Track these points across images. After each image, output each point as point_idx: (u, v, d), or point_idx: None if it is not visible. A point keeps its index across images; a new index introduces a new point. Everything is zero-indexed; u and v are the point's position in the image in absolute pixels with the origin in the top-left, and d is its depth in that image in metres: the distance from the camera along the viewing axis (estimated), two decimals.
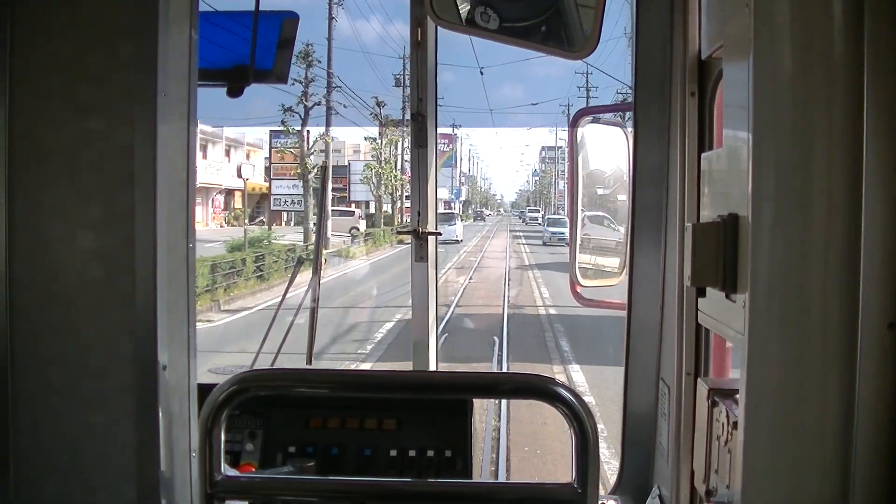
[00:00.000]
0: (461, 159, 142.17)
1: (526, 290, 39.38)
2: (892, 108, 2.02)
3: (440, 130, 4.79)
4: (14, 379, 2.67)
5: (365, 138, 76.59)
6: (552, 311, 32.02)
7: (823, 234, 2.06)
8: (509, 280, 41.71)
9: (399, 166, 79.44)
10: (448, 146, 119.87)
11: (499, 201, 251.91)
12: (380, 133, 73.21)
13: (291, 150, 62.76)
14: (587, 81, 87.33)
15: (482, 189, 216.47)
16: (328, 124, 59.99)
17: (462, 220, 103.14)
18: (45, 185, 2.65)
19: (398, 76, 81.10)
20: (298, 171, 58.85)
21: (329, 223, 53.40)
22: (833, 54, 2.06)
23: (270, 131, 69.23)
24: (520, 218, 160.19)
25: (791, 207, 2.08)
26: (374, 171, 74.91)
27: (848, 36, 2.04)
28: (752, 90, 2.13)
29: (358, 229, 64.93)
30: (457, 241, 76.01)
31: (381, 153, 74.75)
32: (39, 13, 2.63)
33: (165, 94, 2.62)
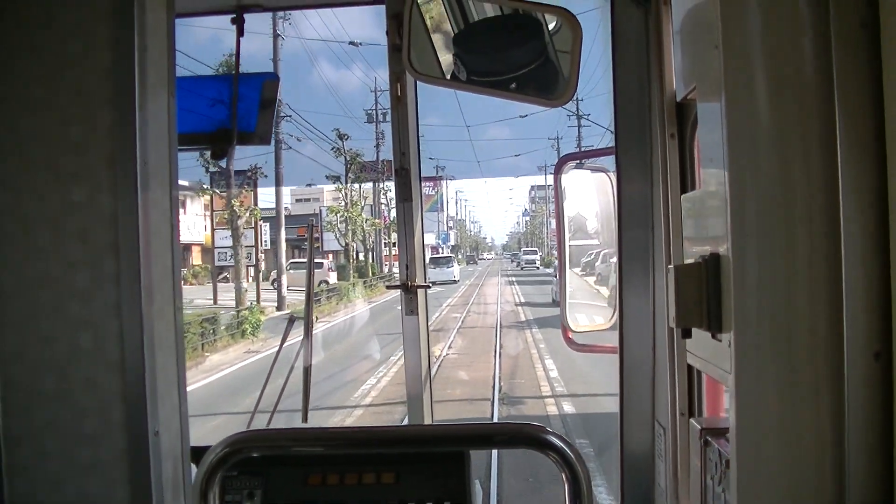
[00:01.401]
0: (448, 202, 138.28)
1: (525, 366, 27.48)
2: (864, 140, 2.04)
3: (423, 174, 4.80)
4: (9, 449, 2.66)
5: (326, 177, 71.44)
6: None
7: (804, 269, 2.08)
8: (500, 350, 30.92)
9: (376, 211, 75.93)
10: (433, 189, 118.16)
11: (490, 244, 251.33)
12: (346, 171, 67.55)
13: (221, 192, 52.06)
14: (578, 121, 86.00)
15: (472, 233, 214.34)
16: (277, 158, 50.45)
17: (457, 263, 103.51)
18: (31, 256, 2.66)
19: (370, 111, 77.42)
20: (227, 217, 50.02)
21: (284, 279, 49.83)
22: (804, 89, 2.09)
23: (211, 173, 52.44)
24: (512, 261, 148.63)
25: (771, 244, 2.10)
26: (338, 215, 68.53)
27: (818, 70, 2.07)
28: (725, 129, 2.15)
29: (328, 282, 59.63)
30: (454, 282, 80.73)
31: (348, 194, 68.32)
32: (21, 85, 2.66)
33: (146, 162, 2.64)
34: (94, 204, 2.64)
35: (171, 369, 2.80)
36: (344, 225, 68.38)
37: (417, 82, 4.37)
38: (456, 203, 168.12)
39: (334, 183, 69.45)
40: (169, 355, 2.78)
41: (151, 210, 2.69)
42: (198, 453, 2.51)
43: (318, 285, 56.10)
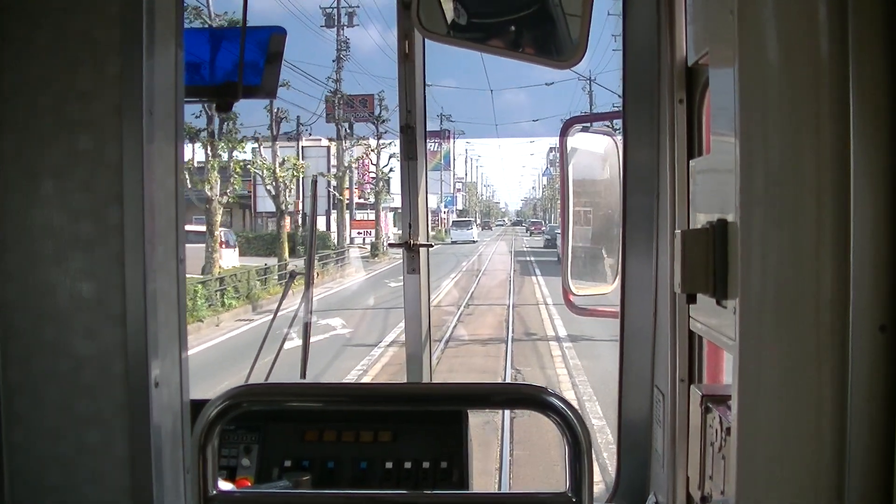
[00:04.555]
0: (455, 160, 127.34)
1: None
2: (877, 109, 2.02)
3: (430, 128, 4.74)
4: (8, 397, 2.66)
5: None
6: None
7: (813, 238, 2.07)
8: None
9: (340, 162, 67.69)
10: (439, 146, 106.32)
11: (503, 210, 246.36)
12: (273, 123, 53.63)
13: None
14: (590, 87, 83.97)
15: (484, 197, 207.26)
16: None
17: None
18: (34, 204, 2.65)
19: (330, 9, 68.00)
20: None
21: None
22: (818, 57, 2.07)
23: None
24: (527, 231, 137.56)
25: (779, 212, 2.08)
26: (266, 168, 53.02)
27: (832, 38, 2.05)
28: (738, 95, 2.13)
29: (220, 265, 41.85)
30: (473, 242, 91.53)
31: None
32: (27, 31, 2.63)
33: (151, 112, 2.62)
34: (99, 153, 2.62)
35: (172, 321, 2.79)
36: (276, 183, 52.94)
37: (426, 40, 4.34)
38: (466, 162, 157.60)
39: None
40: (171, 307, 2.78)
41: (157, 161, 2.67)
42: (197, 407, 2.51)
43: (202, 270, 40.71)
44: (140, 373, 2.64)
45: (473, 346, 26.38)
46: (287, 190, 53.47)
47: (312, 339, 5.22)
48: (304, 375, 4.94)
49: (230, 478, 3.88)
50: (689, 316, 2.91)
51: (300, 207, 64.70)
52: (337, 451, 3.99)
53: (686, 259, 2.36)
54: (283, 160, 53.78)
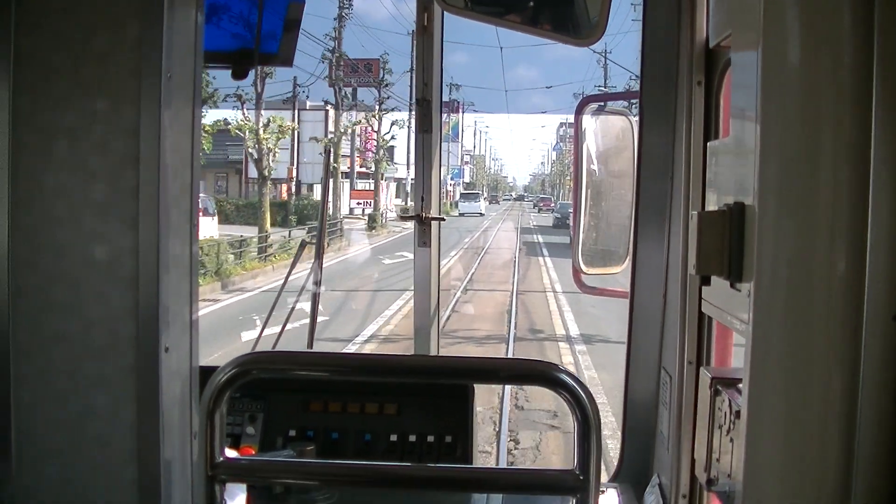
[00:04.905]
0: (462, 132, 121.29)
1: None
2: None
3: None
4: (16, 358, 2.67)
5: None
6: None
7: (829, 224, 2.06)
8: None
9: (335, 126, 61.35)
10: (448, 116, 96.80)
11: (511, 184, 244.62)
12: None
13: None
14: (605, 67, 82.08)
15: (492, 171, 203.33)
16: None
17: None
18: (49, 165, 2.65)
19: None
20: None
21: None
22: (842, 43, 2.05)
23: None
24: (534, 206, 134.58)
25: (797, 197, 2.08)
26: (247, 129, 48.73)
27: (857, 25, 2.03)
28: (760, 79, 2.12)
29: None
30: (481, 214, 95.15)
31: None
32: None
33: (170, 76, 2.62)
34: (116, 115, 2.62)
35: (184, 286, 2.79)
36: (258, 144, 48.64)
37: (445, 13, 4.33)
38: (475, 135, 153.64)
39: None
40: (183, 272, 2.78)
41: (174, 124, 2.67)
42: (205, 373, 2.52)
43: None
44: (150, 337, 2.65)
45: (467, 346, 22.60)
46: (271, 154, 48.97)
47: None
48: (311, 346, 4.95)
49: (234, 445, 3.90)
50: (701, 298, 2.91)
51: (293, 174, 62.57)
52: (342, 422, 4.00)
53: (702, 241, 2.35)
54: (268, 121, 49.52)
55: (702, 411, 2.86)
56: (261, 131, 48.39)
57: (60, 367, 2.68)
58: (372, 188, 72.38)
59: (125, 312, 2.66)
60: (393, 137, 70.19)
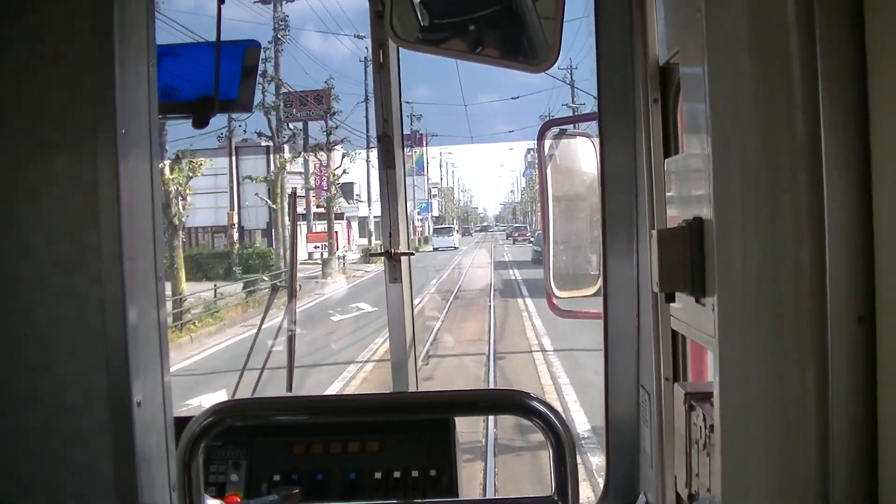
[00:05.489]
0: (428, 163, 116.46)
1: None
2: (846, 103, 2.03)
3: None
4: None
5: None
6: None
7: (788, 233, 2.07)
8: None
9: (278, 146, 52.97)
10: (411, 149, 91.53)
11: (482, 215, 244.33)
12: None
13: None
14: (572, 84, 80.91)
15: (462, 203, 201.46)
16: None
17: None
18: (11, 226, 2.64)
19: None
20: None
21: None
22: (787, 53, 2.07)
23: None
24: (508, 237, 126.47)
25: (754, 208, 2.09)
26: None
27: (800, 35, 2.06)
28: (708, 94, 2.14)
29: None
30: (455, 248, 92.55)
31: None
32: (1, 52, 2.63)
33: (125, 131, 2.62)
34: (74, 173, 2.61)
35: (153, 339, 2.78)
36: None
37: (401, 49, 4.35)
38: (441, 167, 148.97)
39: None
40: (151, 325, 2.77)
41: (132, 179, 2.67)
42: (181, 424, 2.51)
43: None
44: (122, 392, 2.63)
45: None
46: (178, 199, 40.34)
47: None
48: (290, 388, 4.93)
49: (219, 494, 3.87)
50: (671, 315, 2.92)
51: (234, 220, 55.31)
52: (325, 463, 3.98)
53: (663, 258, 2.37)
54: (176, 156, 41.66)
55: (679, 427, 2.87)
56: (166, 170, 39.24)
57: (35, 427, 2.66)
58: (335, 228, 63.74)
59: (96, 369, 2.64)
60: (345, 171, 62.42)
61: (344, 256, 62.75)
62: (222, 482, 3.97)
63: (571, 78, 79.07)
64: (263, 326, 5.22)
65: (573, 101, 76.39)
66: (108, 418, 2.64)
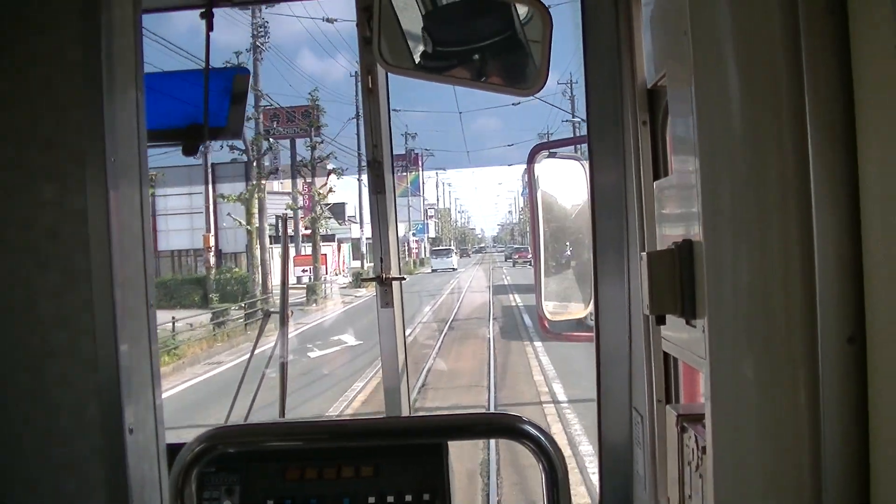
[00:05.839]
0: (423, 184, 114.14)
1: None
2: (833, 123, 2.04)
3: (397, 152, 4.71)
4: None
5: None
6: None
7: (777, 254, 2.08)
8: None
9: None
10: (407, 170, 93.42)
11: (480, 236, 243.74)
12: None
13: None
14: (572, 98, 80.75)
15: (459, 224, 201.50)
16: None
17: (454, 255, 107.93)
18: (3, 254, 2.64)
19: None
20: None
21: None
22: (774, 76, 2.08)
23: None
24: (507, 259, 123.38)
25: (742, 229, 2.10)
26: None
27: (787, 56, 2.07)
28: (695, 115, 2.15)
29: None
30: (454, 269, 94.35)
31: None
32: None
33: (114, 159, 2.62)
34: (64, 201, 2.61)
35: (145, 366, 2.78)
36: None
37: (389, 74, 4.36)
38: (437, 187, 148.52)
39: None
40: (143, 352, 2.77)
41: (122, 207, 2.67)
42: (174, 451, 2.50)
43: None
44: (114, 419, 2.62)
45: None
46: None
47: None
48: (282, 414, 4.92)
49: None
50: (662, 336, 2.93)
51: (210, 243, 52.12)
52: (319, 489, 3.97)
53: (653, 280, 2.37)
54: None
55: (671, 449, 2.86)
56: None
57: (28, 455, 2.65)
58: (324, 252, 61.68)
59: (88, 396, 2.64)
60: (331, 190, 59.85)
61: (334, 281, 60.37)
62: None
63: (571, 93, 79.05)
64: (255, 352, 5.22)
65: (573, 115, 76.13)
66: (100, 446, 2.63)
